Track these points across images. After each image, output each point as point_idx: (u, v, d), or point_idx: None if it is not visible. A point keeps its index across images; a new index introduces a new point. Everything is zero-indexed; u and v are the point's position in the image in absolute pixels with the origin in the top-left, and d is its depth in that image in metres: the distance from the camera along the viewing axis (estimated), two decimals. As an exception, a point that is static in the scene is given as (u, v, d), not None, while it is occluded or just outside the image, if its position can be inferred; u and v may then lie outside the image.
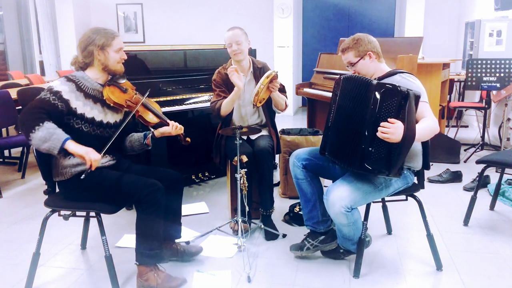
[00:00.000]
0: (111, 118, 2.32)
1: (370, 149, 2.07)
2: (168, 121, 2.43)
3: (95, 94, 2.25)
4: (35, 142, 2.04)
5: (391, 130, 1.97)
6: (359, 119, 2.13)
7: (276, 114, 3.12)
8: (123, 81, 2.34)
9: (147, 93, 2.38)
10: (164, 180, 2.30)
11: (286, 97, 2.97)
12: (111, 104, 2.26)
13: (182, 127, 2.45)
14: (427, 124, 2.15)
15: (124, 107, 2.30)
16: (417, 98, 2.06)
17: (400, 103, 2.00)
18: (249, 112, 3.02)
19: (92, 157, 2.07)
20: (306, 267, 2.50)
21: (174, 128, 2.40)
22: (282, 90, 2.94)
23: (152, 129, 2.43)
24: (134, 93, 2.37)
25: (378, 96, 2.05)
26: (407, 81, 2.24)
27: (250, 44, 2.96)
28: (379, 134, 2.00)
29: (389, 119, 1.99)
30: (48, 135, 2.03)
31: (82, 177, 2.09)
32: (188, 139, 2.51)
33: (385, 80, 2.27)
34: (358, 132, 2.12)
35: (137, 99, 2.34)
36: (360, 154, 2.11)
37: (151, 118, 2.38)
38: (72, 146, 2.07)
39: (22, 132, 2.08)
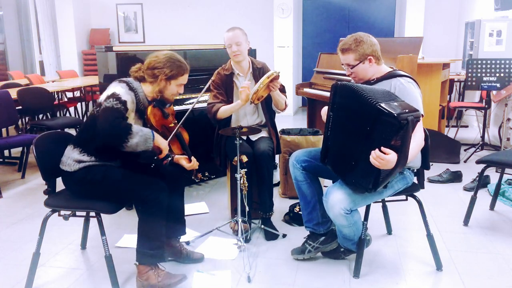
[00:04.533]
0: None
1: (359, 167, 2.05)
2: (191, 155, 2.48)
3: (143, 110, 2.29)
4: (131, 149, 2.12)
5: (383, 162, 1.92)
6: (355, 136, 2.07)
7: (276, 114, 3.12)
8: (168, 106, 2.41)
9: (180, 124, 2.42)
10: (164, 178, 2.31)
11: (286, 97, 2.97)
12: (148, 125, 2.30)
13: (198, 164, 2.50)
14: (417, 144, 2.12)
15: (159, 131, 2.33)
16: (417, 121, 1.99)
17: (398, 131, 1.94)
18: (248, 112, 3.02)
19: (166, 151, 2.26)
20: (306, 267, 2.50)
21: (190, 166, 2.46)
22: (282, 90, 2.94)
23: (173, 155, 2.45)
24: (174, 121, 2.43)
25: (376, 120, 1.96)
26: (403, 87, 2.19)
27: (249, 45, 2.95)
28: (372, 160, 1.95)
29: (383, 149, 1.93)
30: (142, 139, 2.12)
31: (153, 166, 2.29)
32: (199, 175, 2.58)
33: (382, 83, 2.24)
34: (353, 149, 2.08)
35: (172, 128, 2.39)
36: (350, 169, 2.10)
37: (176, 149, 2.44)
38: (159, 139, 2.23)
39: (113, 142, 2.12)
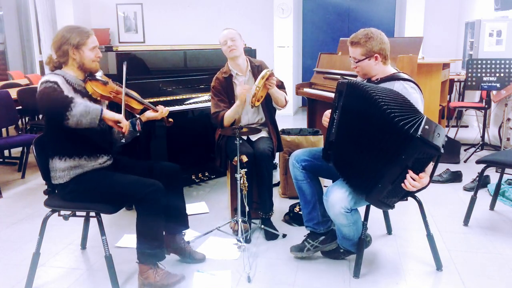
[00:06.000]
0: None
1: (387, 188, 2.00)
2: (152, 106, 2.45)
3: (81, 89, 2.23)
4: (74, 120, 1.98)
5: (419, 186, 1.93)
6: (376, 154, 1.98)
7: (276, 112, 3.12)
8: (100, 75, 2.33)
9: (124, 78, 2.32)
10: (162, 173, 2.31)
11: (286, 93, 2.98)
12: (98, 98, 2.25)
13: (168, 110, 2.47)
14: None
15: (111, 98, 2.28)
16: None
17: (432, 160, 1.93)
18: (249, 110, 3.02)
19: (125, 121, 2.12)
20: (306, 267, 2.50)
21: (161, 112, 2.43)
22: (281, 86, 2.95)
23: (137, 116, 2.43)
24: (115, 83, 2.36)
25: (413, 147, 1.87)
26: (406, 92, 2.17)
27: (244, 43, 2.99)
28: (408, 186, 1.93)
29: (420, 174, 1.92)
30: (86, 108, 2.00)
31: (123, 141, 2.22)
32: (170, 119, 2.53)
33: (385, 85, 2.22)
34: (379, 167, 1.99)
35: (119, 90, 2.32)
36: (377, 190, 2.03)
37: (135, 105, 2.39)
38: (109, 113, 2.09)
39: (57, 115, 1.99)
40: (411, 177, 1.93)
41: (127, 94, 2.36)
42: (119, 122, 2.10)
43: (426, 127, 1.86)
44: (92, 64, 2.26)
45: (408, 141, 1.85)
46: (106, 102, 2.39)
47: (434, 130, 1.88)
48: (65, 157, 2.19)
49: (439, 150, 1.86)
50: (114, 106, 2.38)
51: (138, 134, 2.45)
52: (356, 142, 2.11)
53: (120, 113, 2.20)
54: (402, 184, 1.96)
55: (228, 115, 2.85)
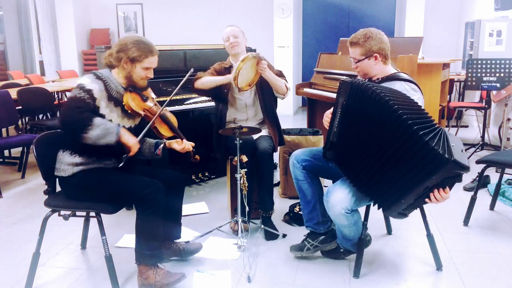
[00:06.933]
0: (127, 122, 2.33)
1: (410, 203, 1.99)
2: (182, 137, 2.42)
3: (117, 97, 2.25)
4: (91, 141, 2.07)
5: (443, 200, 1.94)
6: (403, 168, 1.91)
7: (276, 112, 3.12)
8: (145, 90, 2.35)
9: (165, 105, 2.32)
10: (165, 181, 2.30)
11: (286, 81, 2.98)
12: (129, 111, 2.26)
13: (192, 145, 2.44)
14: None
15: (141, 116, 2.29)
16: None
17: (456, 179, 1.94)
18: (249, 104, 3.03)
19: (135, 148, 2.18)
20: (306, 267, 2.50)
21: (183, 147, 2.40)
22: (280, 75, 2.97)
23: (164, 140, 2.43)
24: (154, 103, 2.37)
25: (445, 171, 1.83)
26: (406, 93, 2.14)
27: (246, 42, 3.02)
28: (433, 200, 1.93)
29: (445, 190, 1.91)
30: (103, 131, 2.07)
31: (121, 165, 2.22)
32: (197, 156, 2.51)
33: (385, 84, 2.21)
34: (402, 183, 1.94)
35: (155, 110, 2.33)
36: (399, 204, 2.00)
37: (165, 131, 2.37)
38: (125, 136, 2.16)
39: (72, 133, 2.09)
40: (440, 194, 1.92)
41: (161, 118, 2.36)
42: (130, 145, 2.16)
43: (453, 144, 1.82)
44: (140, 81, 2.28)
45: (442, 163, 1.79)
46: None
47: (459, 146, 1.85)
48: (76, 154, 2.22)
49: (468, 169, 1.84)
50: (146, 123, 2.34)
51: (159, 157, 2.44)
52: (362, 145, 2.08)
53: (147, 131, 2.25)
54: (427, 199, 1.95)
55: (211, 79, 2.90)
